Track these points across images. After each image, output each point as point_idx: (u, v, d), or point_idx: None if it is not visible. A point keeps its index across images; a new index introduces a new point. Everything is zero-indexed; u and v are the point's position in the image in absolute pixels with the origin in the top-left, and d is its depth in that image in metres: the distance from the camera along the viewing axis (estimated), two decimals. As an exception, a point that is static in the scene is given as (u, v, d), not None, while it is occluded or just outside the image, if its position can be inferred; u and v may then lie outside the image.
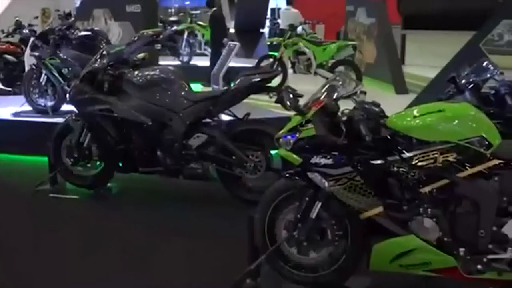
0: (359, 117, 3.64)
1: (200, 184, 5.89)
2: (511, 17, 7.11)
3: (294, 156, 3.79)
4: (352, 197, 3.67)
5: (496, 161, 3.53)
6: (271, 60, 13.65)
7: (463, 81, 5.93)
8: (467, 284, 3.64)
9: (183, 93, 5.88)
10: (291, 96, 3.97)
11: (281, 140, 3.88)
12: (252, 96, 6.00)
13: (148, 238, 4.96)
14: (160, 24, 16.97)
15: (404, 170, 3.59)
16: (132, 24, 13.34)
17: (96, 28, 10.74)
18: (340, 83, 3.94)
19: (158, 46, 11.47)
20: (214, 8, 13.83)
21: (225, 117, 6.08)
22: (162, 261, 4.50)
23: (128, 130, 5.89)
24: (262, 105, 8.29)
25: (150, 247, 4.78)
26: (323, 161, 3.71)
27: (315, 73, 12.88)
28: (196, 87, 8.49)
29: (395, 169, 3.61)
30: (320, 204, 3.78)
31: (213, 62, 12.83)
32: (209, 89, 8.91)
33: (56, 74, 8.12)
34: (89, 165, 6.08)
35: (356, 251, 3.81)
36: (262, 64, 13.43)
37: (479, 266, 3.55)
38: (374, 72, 13.92)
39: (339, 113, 3.77)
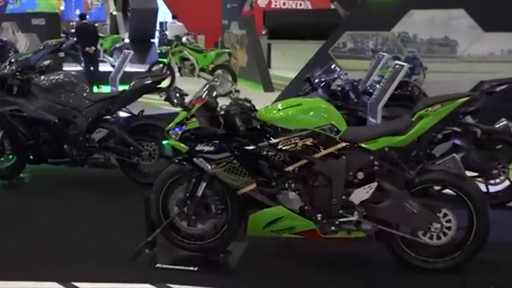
0: (234, 111, 3.67)
1: (102, 171, 5.80)
2: (352, 29, 7.39)
3: (182, 145, 3.79)
4: (231, 177, 3.70)
5: (344, 144, 3.66)
6: (161, 65, 13.62)
7: (316, 80, 6.13)
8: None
9: (84, 94, 5.77)
10: (177, 95, 3.98)
11: (170, 132, 3.85)
12: (145, 95, 5.96)
13: (58, 219, 4.80)
14: (62, 35, 16.40)
15: (272, 153, 3.66)
16: (37, 35, 12.80)
17: (4, 39, 10.21)
18: (219, 83, 3.97)
19: (62, 54, 11.11)
20: (84, 21, 13.66)
21: (122, 114, 5.99)
22: (72, 238, 4.36)
23: (37, 127, 5.68)
24: (154, 103, 8.20)
25: (60, 226, 4.63)
26: (206, 148, 3.72)
27: (198, 76, 12.95)
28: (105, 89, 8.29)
29: (265, 153, 3.67)
30: (204, 184, 3.80)
31: (87, 66, 12.63)
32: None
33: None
34: (2, 158, 5.81)
35: (235, 221, 3.85)
36: (153, 68, 13.37)
37: (333, 228, 3.68)
38: (246, 74, 14.10)
39: (218, 108, 3.78)
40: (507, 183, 5.07)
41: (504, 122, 5.61)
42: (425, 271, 3.69)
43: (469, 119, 4.98)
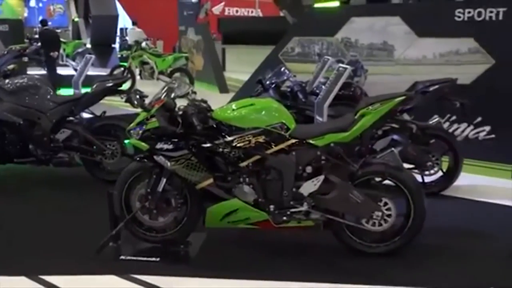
0: (191, 111, 3.64)
1: (67, 170, 5.67)
2: (299, 35, 7.44)
3: (143, 143, 3.74)
4: (189, 173, 3.67)
5: (293, 140, 3.68)
6: (122, 69, 13.44)
7: (267, 82, 6.14)
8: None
9: (48, 96, 5.61)
10: (138, 97, 3.93)
11: (131, 131, 3.80)
12: (107, 97, 5.86)
13: (25, 215, 4.66)
14: (26, 40, 15.97)
15: (227, 150, 3.65)
16: (1, 41, 12.41)
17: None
18: (176, 85, 3.93)
19: (26, 59, 10.84)
20: (46, 27, 13.32)
21: (85, 115, 5.88)
22: (38, 233, 4.26)
23: (2, 128, 5.48)
24: (115, 105, 8.05)
25: (26, 222, 4.50)
26: (166, 146, 3.68)
27: (157, 79, 12.82)
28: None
29: (221, 150, 3.66)
30: (165, 180, 3.76)
31: (50, 69, 12.36)
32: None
33: None
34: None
35: (194, 214, 3.83)
36: (115, 72, 13.18)
37: (284, 218, 3.70)
38: (203, 77, 14.04)
39: (176, 109, 3.75)
40: (440, 173, 5.22)
41: (437, 119, 5.77)
42: (368, 255, 3.75)
43: (405, 116, 5.09)
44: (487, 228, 4.41)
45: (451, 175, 5.19)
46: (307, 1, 12.76)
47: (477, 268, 3.66)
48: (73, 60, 15.00)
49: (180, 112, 3.72)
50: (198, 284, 3.45)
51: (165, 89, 3.86)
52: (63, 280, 3.45)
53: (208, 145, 3.67)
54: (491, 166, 5.81)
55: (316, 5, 11.14)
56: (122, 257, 3.79)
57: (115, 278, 3.50)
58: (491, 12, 5.76)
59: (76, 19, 23.42)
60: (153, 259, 3.75)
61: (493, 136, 5.86)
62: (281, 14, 16.77)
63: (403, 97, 3.84)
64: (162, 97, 3.76)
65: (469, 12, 5.90)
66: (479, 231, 4.36)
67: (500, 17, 5.72)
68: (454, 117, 6.05)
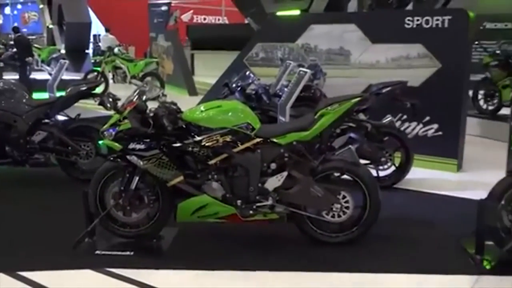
0: (162, 113, 3.61)
1: (43, 170, 5.57)
2: (263, 41, 7.44)
3: (116, 144, 3.68)
4: (161, 171, 3.64)
5: (258, 139, 3.69)
6: (95, 73, 13.20)
7: (233, 85, 6.13)
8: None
9: (24, 100, 5.48)
10: (110, 99, 3.86)
11: (105, 132, 3.74)
12: (81, 100, 5.76)
13: (3, 213, 4.54)
14: (1, 46, 15.55)
15: (196, 149, 3.63)
16: (-23, 47, 12.06)
17: None
18: (148, 89, 3.89)
19: (1, 64, 10.56)
20: (18, 34, 13.01)
21: (61, 118, 5.73)
22: (16, 231, 4.16)
23: (-21, 131, 5.33)
24: (89, 108, 7.88)
25: (5, 220, 4.39)
26: (138, 146, 3.64)
27: (130, 82, 12.63)
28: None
29: (190, 149, 3.64)
30: (137, 178, 3.71)
31: (22, 74, 12.07)
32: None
33: None
34: None
35: (166, 209, 3.79)
36: (88, 76, 12.95)
37: (251, 211, 3.70)
38: (173, 81, 13.92)
39: (148, 111, 3.71)
40: (393, 168, 5.31)
41: (389, 118, 5.86)
42: (329, 245, 3.79)
43: (361, 116, 5.14)
44: (436, 217, 4.50)
45: (403, 169, 5.28)
46: (269, 9, 12.77)
47: (427, 253, 3.73)
48: (48, 65, 14.67)
49: (151, 114, 3.68)
50: (170, 275, 3.41)
51: (136, 92, 3.81)
52: (41, 276, 3.37)
53: (178, 144, 3.64)
54: (438, 160, 5.93)
55: (278, 13, 11.16)
56: (98, 252, 3.73)
57: (91, 272, 3.44)
58: (437, 20, 5.87)
59: (51, 26, 22.90)
60: (127, 253, 3.69)
61: (440, 133, 5.97)
62: (246, 21, 16.76)
63: (358, 98, 3.89)
64: (134, 99, 3.72)
65: (417, 20, 5.99)
66: (429, 220, 4.45)
67: (446, 25, 5.83)
68: (405, 117, 6.14)
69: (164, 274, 3.43)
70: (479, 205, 3.55)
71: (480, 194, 3.67)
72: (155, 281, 3.30)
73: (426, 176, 5.65)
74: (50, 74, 12.58)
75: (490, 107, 8.60)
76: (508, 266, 3.44)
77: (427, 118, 6.00)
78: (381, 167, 5.21)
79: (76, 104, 5.70)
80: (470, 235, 3.69)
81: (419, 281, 3.34)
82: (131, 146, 3.64)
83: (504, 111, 8.17)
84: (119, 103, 3.88)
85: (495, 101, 8.53)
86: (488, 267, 3.47)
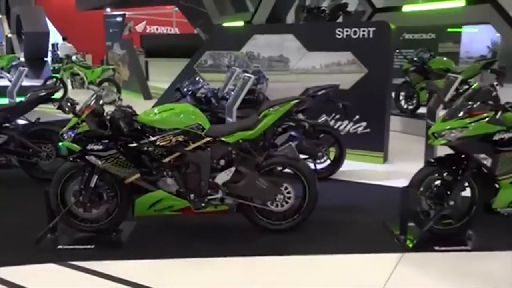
0: (118, 116, 3.52)
1: (5, 172, 5.28)
2: (211, 49, 7.40)
3: (75, 145, 3.55)
4: (118, 170, 3.55)
5: (208, 138, 3.65)
6: (54, 79, 12.67)
7: (185, 89, 6.06)
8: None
9: None
10: (69, 104, 3.73)
11: (64, 135, 3.60)
12: (40, 105, 5.49)
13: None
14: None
15: (152, 148, 3.56)
16: None
17: None
18: (104, 93, 3.77)
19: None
20: None
21: (21, 122, 5.46)
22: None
23: None
24: (48, 112, 7.56)
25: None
26: (96, 147, 3.53)
27: (88, 88, 12.23)
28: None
29: (146, 148, 3.56)
30: (96, 176, 3.60)
31: None
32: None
33: None
34: None
35: (124, 205, 3.70)
36: (47, 83, 12.40)
37: (203, 204, 3.67)
38: (129, 86, 13.60)
39: (105, 114, 3.60)
40: (328, 162, 5.40)
41: (324, 118, 5.97)
42: (273, 231, 3.82)
43: (300, 116, 5.20)
44: (366, 203, 4.62)
45: (337, 162, 5.38)
46: (216, 21, 12.70)
47: (359, 236, 3.83)
48: (8, 72, 13.96)
49: (108, 117, 3.57)
50: (130, 265, 3.33)
51: (94, 97, 3.69)
52: (5, 271, 3.21)
53: (134, 144, 3.56)
54: (367, 154, 6.08)
55: (225, 24, 11.12)
56: (60, 246, 3.59)
57: (54, 266, 3.30)
58: (363, 31, 6.02)
59: (9, 35, 21.80)
60: (89, 246, 3.58)
61: (368, 130, 6.11)
62: (195, 31, 16.61)
63: (297, 100, 3.94)
64: (91, 104, 3.60)
65: (347, 31, 6.12)
66: (360, 206, 4.56)
67: (371, 35, 5.99)
68: (338, 116, 6.24)
69: (124, 264, 3.34)
70: (402, 192, 3.66)
71: (403, 182, 3.79)
72: (115, 271, 3.22)
73: (357, 168, 5.77)
74: (10, 81, 11.98)
75: (410, 107, 8.89)
76: (427, 244, 3.58)
77: (357, 117, 6.13)
78: (318, 161, 5.29)
79: (36, 109, 5.43)
80: (395, 218, 3.81)
81: (353, 260, 3.42)
82: (90, 147, 3.53)
83: (422, 110, 8.49)
84: (77, 107, 3.75)
85: (414, 101, 8.82)
86: (410, 245, 3.59)
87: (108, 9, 19.64)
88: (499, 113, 3.40)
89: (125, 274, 3.18)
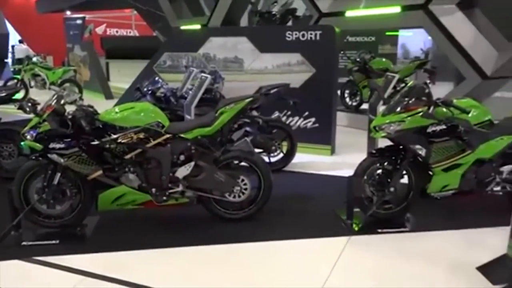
0: (80, 115, 3.39)
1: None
2: (169, 51, 7.27)
3: (37, 144, 3.40)
4: (81, 167, 3.43)
5: (168, 135, 3.60)
6: (15, 80, 12.07)
7: (145, 89, 5.93)
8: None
9: None
10: (30, 104, 3.57)
11: (26, 134, 3.44)
12: (1, 106, 5.21)
13: None
14: None
15: (113, 146, 3.47)
16: None
17: None
18: (65, 93, 3.62)
19: None
20: None
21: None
22: None
23: None
24: (10, 112, 7.20)
25: None
26: (58, 146, 3.39)
27: (49, 88, 11.72)
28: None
29: (108, 146, 3.46)
30: (59, 174, 3.46)
31: None
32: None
33: None
34: None
35: (88, 200, 3.58)
36: (8, 83, 11.81)
37: (164, 197, 3.62)
38: (90, 86, 13.16)
39: (66, 113, 3.46)
40: (281, 155, 5.44)
41: (277, 114, 6.00)
42: (231, 221, 3.81)
43: (254, 112, 5.20)
44: (316, 192, 4.69)
45: (289, 155, 5.43)
46: (174, 24, 12.47)
47: (310, 222, 3.88)
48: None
49: (70, 116, 3.44)
50: (95, 258, 3.23)
51: (55, 97, 3.54)
52: (-33, 269, 3.04)
53: (96, 142, 3.44)
54: (316, 147, 6.18)
55: (182, 27, 10.96)
56: (24, 243, 3.43)
57: (19, 262, 3.16)
58: (311, 34, 6.09)
59: (-32, 37, 20.57)
60: (53, 242, 3.44)
61: (317, 125, 6.19)
62: (154, 34, 16.27)
63: (251, 98, 3.94)
64: (52, 104, 3.45)
65: (296, 34, 6.17)
66: (311, 195, 4.63)
67: (318, 38, 6.07)
68: (289, 112, 6.29)
69: (89, 258, 3.24)
70: (348, 181, 3.75)
71: (349, 172, 3.86)
72: (80, 264, 3.11)
73: (307, 160, 5.84)
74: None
75: (354, 103, 9.09)
76: (371, 227, 3.68)
77: (306, 113, 6.20)
78: (272, 154, 5.31)
79: (-4, 110, 5.19)
80: (343, 205, 3.89)
81: (305, 244, 3.47)
82: (52, 145, 3.39)
83: (364, 106, 8.71)
84: (39, 107, 3.59)
85: (357, 98, 9.04)
86: (356, 229, 3.69)
87: (68, 12, 18.90)
88: (431, 108, 3.53)
89: (90, 267, 3.08)
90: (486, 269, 2.95)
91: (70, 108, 3.54)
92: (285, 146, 5.43)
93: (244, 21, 10.72)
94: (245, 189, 3.77)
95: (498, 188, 3.77)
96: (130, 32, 24.64)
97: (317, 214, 4.04)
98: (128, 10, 22.27)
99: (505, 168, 3.74)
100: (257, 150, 4.46)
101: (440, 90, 7.47)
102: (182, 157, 3.64)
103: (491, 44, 6.10)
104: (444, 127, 3.58)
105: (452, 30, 6.23)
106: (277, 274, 3.01)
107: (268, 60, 6.40)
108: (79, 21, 14.07)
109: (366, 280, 2.91)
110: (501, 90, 7.17)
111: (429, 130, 3.57)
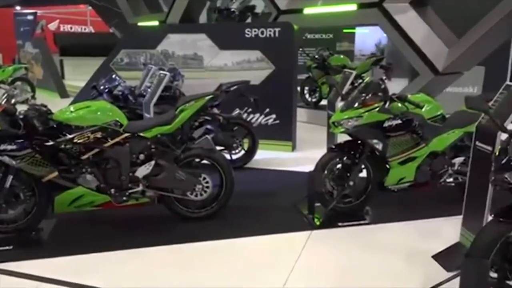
0: (32, 115, 3.27)
1: None
2: (127, 48, 7.10)
3: (-14, 146, 3.23)
4: (35, 169, 3.29)
5: (127, 134, 3.52)
6: (-39, 79, 11.39)
7: (102, 87, 5.78)
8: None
9: None
10: (-24, 104, 3.37)
11: (-26, 136, 3.26)
12: None
13: None
14: None
15: (69, 146, 3.35)
16: None
17: None
18: (16, 92, 3.46)
19: None
20: None
21: None
22: None
23: None
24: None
25: None
26: (10, 147, 3.24)
27: (-1, 88, 11.17)
28: None
29: (63, 146, 3.34)
30: (11, 176, 3.31)
31: None
32: None
33: None
34: None
35: (43, 203, 3.44)
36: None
37: (124, 198, 3.54)
38: (43, 85, 12.67)
39: (17, 113, 3.31)
40: (242, 152, 5.45)
41: (238, 111, 5.99)
42: (194, 219, 3.78)
43: (215, 110, 5.18)
44: (278, 188, 4.72)
45: (250, 152, 5.44)
46: (131, 20, 12.19)
47: (273, 218, 3.91)
48: None
49: (21, 116, 3.30)
50: (52, 263, 3.11)
51: (5, 96, 3.38)
52: None
53: (51, 143, 3.32)
54: (277, 143, 6.22)
55: (139, 23, 10.72)
56: (-25, 250, 3.26)
57: (-32, 270, 3.00)
58: (270, 31, 6.11)
59: None
60: (6, 247, 3.29)
61: (277, 121, 6.23)
62: (111, 30, 15.85)
63: (211, 96, 3.91)
64: (2, 103, 3.30)
65: (255, 31, 6.18)
66: (273, 191, 4.66)
67: (277, 35, 6.10)
68: (250, 109, 6.30)
69: (45, 263, 3.12)
70: (308, 176, 3.80)
71: (309, 167, 3.91)
72: (36, 270, 2.99)
73: (269, 156, 5.86)
74: None
75: (313, 100, 9.23)
76: (332, 221, 3.75)
77: (267, 110, 6.22)
78: (233, 152, 5.31)
79: None
80: (304, 200, 3.94)
81: (268, 240, 3.48)
82: (3, 147, 3.23)
83: (324, 102, 8.84)
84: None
85: (317, 94, 9.17)
86: (318, 223, 3.74)
87: (18, 7, 18.08)
88: (387, 103, 3.63)
89: (46, 272, 2.97)
90: (441, 257, 3.07)
91: (21, 108, 3.39)
92: (246, 143, 5.43)
93: (203, 18, 10.64)
94: (207, 187, 3.75)
95: (451, 180, 3.93)
96: (85, 29, 23.88)
97: (279, 210, 4.07)
98: (83, 6, 21.56)
99: (457, 160, 3.91)
100: (218, 148, 4.45)
101: (395, 86, 7.69)
102: (141, 156, 3.57)
103: (442, 41, 6.34)
104: (399, 121, 3.69)
105: (406, 27, 6.42)
106: (240, 272, 3.00)
107: (227, 57, 6.37)
108: (30, 17, 13.52)
109: (328, 274, 2.96)
110: (451, 85, 7.47)
111: (386, 124, 3.67)
